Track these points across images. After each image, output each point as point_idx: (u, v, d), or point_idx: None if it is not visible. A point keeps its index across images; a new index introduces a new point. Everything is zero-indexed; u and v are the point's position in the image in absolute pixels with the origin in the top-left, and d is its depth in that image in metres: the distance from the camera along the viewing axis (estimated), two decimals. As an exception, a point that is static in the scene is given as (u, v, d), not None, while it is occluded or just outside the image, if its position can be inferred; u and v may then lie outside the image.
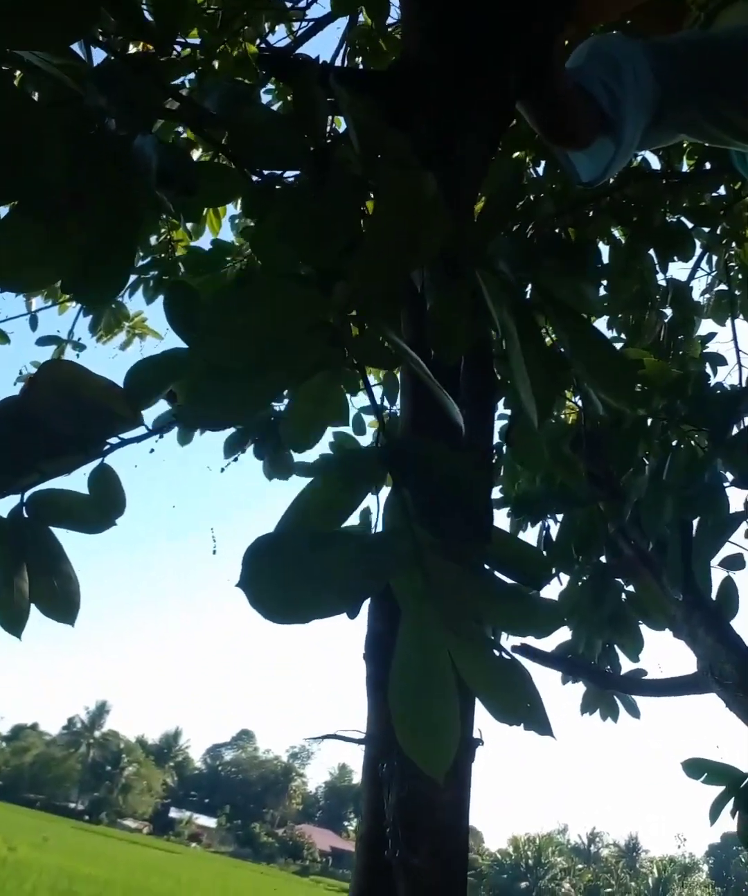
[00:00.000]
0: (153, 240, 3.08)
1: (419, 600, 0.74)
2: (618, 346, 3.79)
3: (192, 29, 2.95)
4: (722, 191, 3.77)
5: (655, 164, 3.77)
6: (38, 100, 1.03)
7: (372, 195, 0.95)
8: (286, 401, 1.04)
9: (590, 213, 3.41)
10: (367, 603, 1.10)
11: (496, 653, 0.76)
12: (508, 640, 2.38)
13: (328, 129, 1.30)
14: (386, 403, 2.91)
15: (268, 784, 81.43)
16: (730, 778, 2.65)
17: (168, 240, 3.13)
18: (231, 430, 3.00)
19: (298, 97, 1.03)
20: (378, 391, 3.08)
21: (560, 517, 2.96)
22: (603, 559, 2.98)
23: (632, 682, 3.01)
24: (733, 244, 4.03)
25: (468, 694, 0.74)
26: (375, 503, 1.84)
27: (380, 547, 0.75)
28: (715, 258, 4.17)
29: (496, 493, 3.15)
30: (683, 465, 2.45)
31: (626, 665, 3.02)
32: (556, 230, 3.22)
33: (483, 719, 0.77)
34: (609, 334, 3.95)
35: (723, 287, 4.18)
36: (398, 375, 1.89)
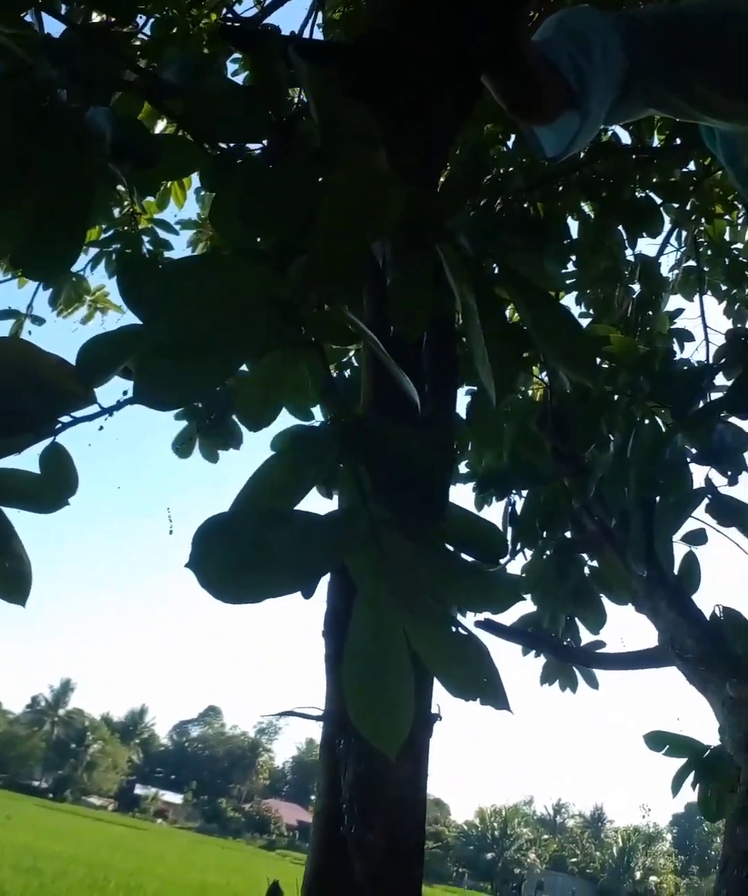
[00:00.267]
0: (116, 212, 3.04)
1: (374, 578, 0.74)
2: (587, 321, 3.81)
3: (155, -3, 2.89)
4: (691, 166, 3.77)
5: (626, 138, 3.77)
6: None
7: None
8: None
9: (560, 188, 3.40)
10: (326, 580, 1.10)
11: (453, 629, 0.76)
12: (471, 615, 2.39)
13: (294, 101, 1.28)
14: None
15: (235, 760, 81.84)
16: (691, 750, 2.69)
17: (131, 213, 3.08)
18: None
19: (257, 70, 1.01)
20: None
21: (525, 493, 2.97)
22: (567, 534, 3.00)
23: (595, 655, 3.04)
24: (702, 220, 4.03)
25: (425, 670, 0.74)
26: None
27: (334, 525, 0.75)
28: (684, 234, 4.18)
29: (463, 469, 3.16)
30: (647, 441, 2.47)
31: (587, 637, 3.06)
32: (525, 205, 3.21)
33: (443, 694, 0.77)
34: (577, 310, 3.96)
35: (691, 263, 4.20)
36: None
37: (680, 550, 2.60)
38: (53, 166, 0.77)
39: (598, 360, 2.77)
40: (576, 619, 3.01)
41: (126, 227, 3.13)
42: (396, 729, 0.72)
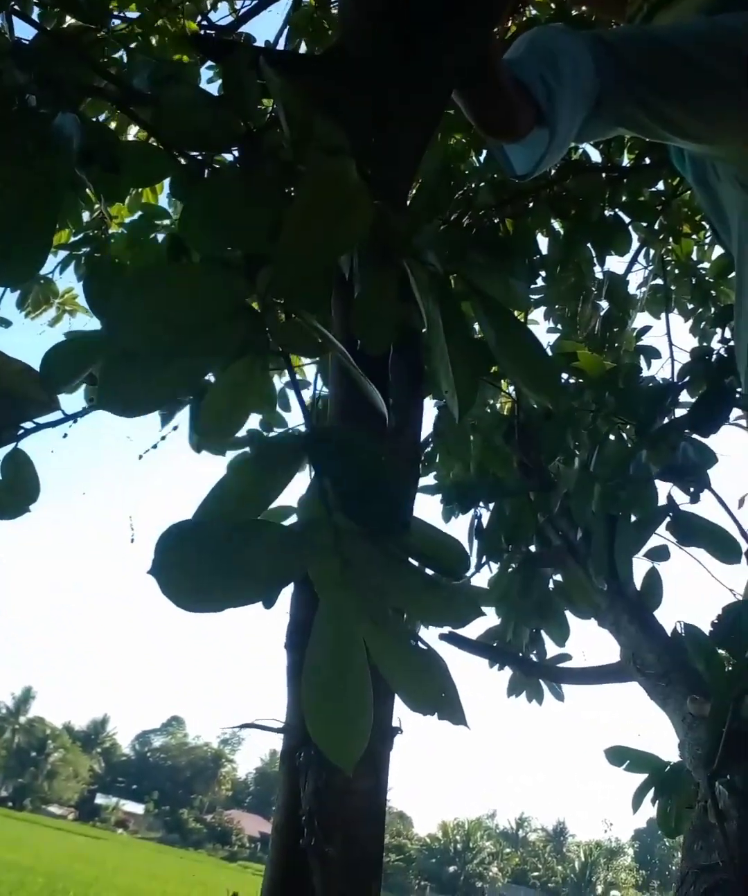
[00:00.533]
0: (86, 216, 3.02)
1: (336, 589, 0.74)
2: (555, 337, 3.83)
3: (131, 3, 2.89)
4: (660, 186, 3.81)
5: (596, 157, 3.80)
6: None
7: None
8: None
9: (530, 205, 3.42)
10: (289, 591, 1.10)
11: (413, 643, 0.76)
12: (434, 629, 2.40)
13: (266, 112, 1.29)
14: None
15: (197, 770, 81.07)
16: (652, 766, 2.69)
17: (101, 216, 3.07)
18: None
19: (228, 80, 1.01)
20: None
21: (491, 506, 2.98)
22: (532, 548, 3.02)
23: (557, 670, 3.05)
24: (670, 239, 4.07)
25: (386, 683, 0.74)
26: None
27: (297, 535, 0.75)
28: (652, 252, 4.21)
29: (430, 481, 3.17)
30: (612, 457, 2.48)
31: (552, 649, 3.07)
32: (495, 220, 3.23)
33: (404, 708, 0.77)
34: (546, 326, 3.98)
35: (658, 281, 4.24)
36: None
37: (643, 566, 2.62)
38: (20, 171, 0.77)
39: (566, 375, 2.79)
40: (541, 631, 3.03)
41: (96, 231, 3.12)
42: (354, 743, 0.72)
